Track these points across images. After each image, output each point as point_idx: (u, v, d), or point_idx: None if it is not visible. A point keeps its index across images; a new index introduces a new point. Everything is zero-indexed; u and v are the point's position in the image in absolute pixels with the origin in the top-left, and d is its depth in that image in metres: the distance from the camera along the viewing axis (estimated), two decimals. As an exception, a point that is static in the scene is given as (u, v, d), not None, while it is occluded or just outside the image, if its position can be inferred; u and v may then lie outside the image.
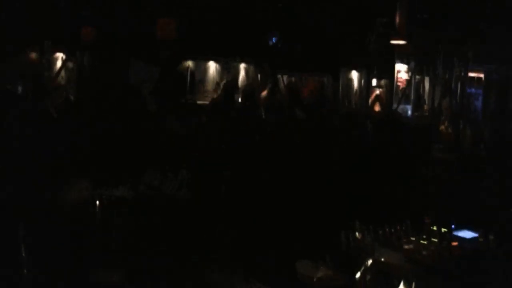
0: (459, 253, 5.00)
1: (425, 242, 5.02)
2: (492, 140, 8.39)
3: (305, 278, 5.45)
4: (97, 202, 6.59)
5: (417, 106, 8.50)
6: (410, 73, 8.28)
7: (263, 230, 6.90)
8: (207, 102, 8.00)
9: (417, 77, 8.55)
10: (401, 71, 8.33)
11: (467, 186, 7.23)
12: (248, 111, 7.73)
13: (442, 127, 8.17)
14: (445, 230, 5.26)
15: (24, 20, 7.81)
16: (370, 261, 4.98)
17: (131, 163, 7.03)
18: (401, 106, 8.45)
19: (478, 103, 8.69)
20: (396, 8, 8.16)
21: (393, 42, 7.71)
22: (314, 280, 5.29)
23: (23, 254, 5.80)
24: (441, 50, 8.71)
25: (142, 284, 6.03)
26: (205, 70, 8.07)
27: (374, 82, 8.39)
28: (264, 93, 8.12)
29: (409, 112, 8.38)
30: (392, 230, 5.38)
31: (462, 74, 8.51)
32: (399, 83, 8.37)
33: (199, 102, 8.07)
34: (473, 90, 8.73)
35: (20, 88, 7.45)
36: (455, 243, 5.02)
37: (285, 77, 8.39)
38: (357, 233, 5.43)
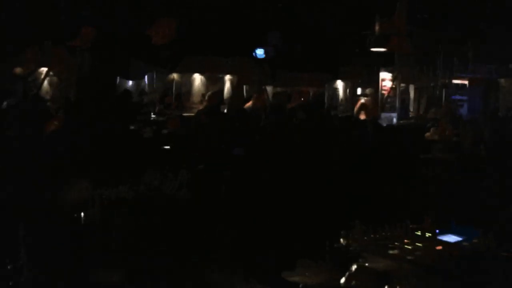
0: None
1: (410, 247, 5.02)
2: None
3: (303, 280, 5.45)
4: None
5: (402, 114, 8.55)
6: (394, 82, 8.32)
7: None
8: (193, 114, 8.08)
9: (402, 85, 8.60)
10: (386, 79, 8.36)
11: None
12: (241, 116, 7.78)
13: (428, 134, 8.20)
14: (430, 234, 5.26)
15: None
16: (354, 267, 4.98)
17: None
18: (387, 114, 8.50)
19: (464, 110, 8.74)
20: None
21: (373, 49, 7.75)
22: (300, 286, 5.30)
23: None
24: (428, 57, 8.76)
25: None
26: (191, 82, 8.10)
27: (359, 91, 8.44)
28: (249, 103, 8.18)
29: (394, 120, 8.42)
30: (377, 236, 5.37)
31: (447, 81, 8.57)
32: (383, 92, 8.40)
33: (185, 114, 8.12)
34: (457, 97, 8.78)
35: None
36: (439, 247, 5.02)
37: (269, 88, 8.47)
38: (342, 240, 5.44)
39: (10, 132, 6.92)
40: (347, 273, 5.00)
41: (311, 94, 8.50)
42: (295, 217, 6.84)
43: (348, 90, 8.56)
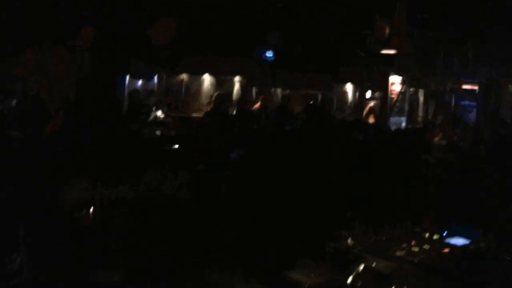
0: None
1: (417, 250, 5.03)
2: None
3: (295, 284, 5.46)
4: (97, 202, 6.58)
5: (411, 118, 8.55)
6: (404, 86, 8.32)
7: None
8: (201, 115, 8.10)
9: (411, 89, 8.60)
10: (395, 83, 8.36)
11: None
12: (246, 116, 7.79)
13: (436, 139, 8.22)
14: (437, 237, 5.27)
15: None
16: (361, 267, 5.00)
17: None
18: (395, 118, 8.50)
19: (472, 115, 8.73)
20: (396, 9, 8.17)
21: (384, 52, 7.75)
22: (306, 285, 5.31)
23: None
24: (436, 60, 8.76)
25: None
26: (200, 83, 8.10)
27: (368, 94, 8.43)
28: (257, 105, 8.20)
29: (403, 124, 8.43)
30: (384, 238, 5.38)
31: (456, 86, 8.57)
32: (392, 96, 8.40)
33: (193, 115, 8.13)
34: (466, 102, 8.76)
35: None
36: (446, 250, 5.03)
37: (278, 91, 8.47)
38: (349, 241, 5.45)
39: (10, 132, 6.93)
40: (353, 273, 5.02)
41: (319, 97, 8.51)
42: (295, 217, 6.84)
43: (357, 94, 8.59)
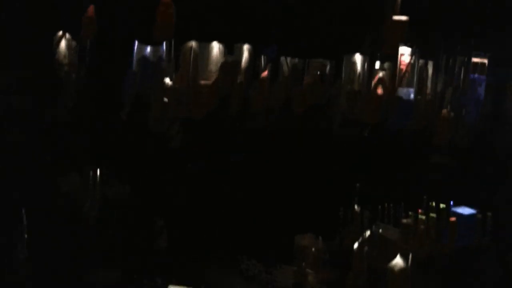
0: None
1: (423, 217, 5.10)
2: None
3: (302, 250, 5.55)
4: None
5: (420, 89, 8.53)
6: (413, 57, 8.27)
7: (264, 202, 7.01)
8: (210, 83, 8.07)
9: (421, 61, 8.55)
10: (405, 54, 8.32)
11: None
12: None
13: (444, 110, 8.22)
14: (444, 206, 5.34)
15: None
16: (368, 233, 5.09)
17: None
18: (404, 90, 8.46)
19: (481, 89, 8.70)
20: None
21: (395, 18, 7.70)
22: (312, 250, 5.41)
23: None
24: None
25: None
26: (209, 51, 8.07)
27: (377, 65, 8.38)
28: (265, 73, 8.15)
29: (412, 96, 8.41)
30: (391, 205, 5.44)
31: (466, 59, 8.53)
32: (402, 67, 8.36)
33: (202, 82, 8.11)
34: (476, 76, 8.73)
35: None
36: (453, 219, 5.10)
37: (288, 59, 8.42)
38: (357, 207, 5.52)
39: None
40: (360, 239, 5.13)
41: (328, 67, 8.49)
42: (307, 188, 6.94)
43: (366, 64, 8.55)
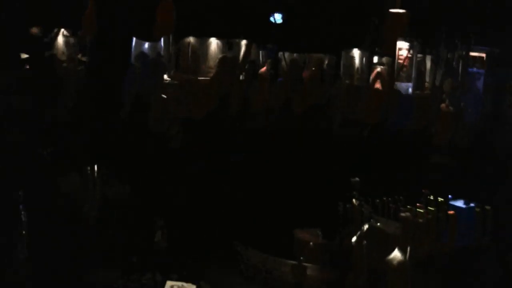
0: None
1: (422, 211, 5.07)
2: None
3: (302, 244, 5.51)
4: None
5: (418, 84, 8.50)
6: (411, 51, 8.26)
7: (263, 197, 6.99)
8: (208, 78, 8.06)
9: (419, 55, 8.52)
10: (403, 48, 8.31)
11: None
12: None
13: (443, 105, 8.20)
14: (442, 199, 5.32)
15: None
16: (366, 227, 5.06)
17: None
18: (403, 84, 8.45)
19: (480, 83, 8.69)
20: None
21: (392, 11, 7.67)
22: (311, 244, 5.39)
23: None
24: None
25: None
26: (207, 46, 8.05)
27: (375, 59, 8.35)
28: (264, 69, 8.14)
29: (410, 90, 8.39)
30: (391, 199, 5.41)
31: (464, 53, 8.51)
32: (400, 61, 8.34)
33: (200, 78, 8.09)
34: (474, 69, 8.72)
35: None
36: (451, 212, 5.07)
37: (286, 54, 8.38)
38: (355, 201, 5.49)
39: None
40: (358, 232, 5.10)
41: (325, 62, 8.45)
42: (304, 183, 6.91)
43: (364, 59, 8.51)
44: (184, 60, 8.06)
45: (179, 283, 5.85)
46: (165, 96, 7.68)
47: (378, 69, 7.70)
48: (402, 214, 5.06)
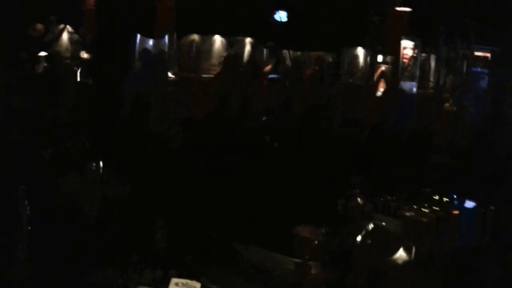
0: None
1: (427, 210, 5.04)
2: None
3: (304, 241, 5.49)
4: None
5: (422, 83, 8.48)
6: (415, 50, 8.23)
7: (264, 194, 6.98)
8: (212, 76, 8.04)
9: (423, 54, 8.51)
10: (407, 47, 8.28)
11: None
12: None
13: (447, 104, 8.18)
14: (446, 199, 5.31)
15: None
16: (371, 226, 5.03)
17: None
18: (407, 83, 8.43)
19: (483, 83, 8.69)
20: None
21: (397, 9, 7.65)
22: (315, 242, 5.36)
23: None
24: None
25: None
26: (211, 44, 8.00)
27: (379, 58, 8.32)
28: (268, 67, 8.11)
29: (414, 90, 8.37)
30: (394, 198, 5.39)
31: (468, 53, 8.50)
32: (404, 60, 8.31)
33: (204, 75, 8.05)
34: (478, 69, 8.71)
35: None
36: (455, 212, 5.05)
37: (290, 52, 8.36)
38: (359, 199, 5.46)
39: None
40: (363, 232, 5.07)
41: (326, 60, 8.42)
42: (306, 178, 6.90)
43: (368, 57, 8.48)
44: (186, 57, 8.02)
45: (183, 280, 5.84)
46: (168, 92, 7.65)
47: (382, 68, 7.67)
48: (407, 214, 5.03)
